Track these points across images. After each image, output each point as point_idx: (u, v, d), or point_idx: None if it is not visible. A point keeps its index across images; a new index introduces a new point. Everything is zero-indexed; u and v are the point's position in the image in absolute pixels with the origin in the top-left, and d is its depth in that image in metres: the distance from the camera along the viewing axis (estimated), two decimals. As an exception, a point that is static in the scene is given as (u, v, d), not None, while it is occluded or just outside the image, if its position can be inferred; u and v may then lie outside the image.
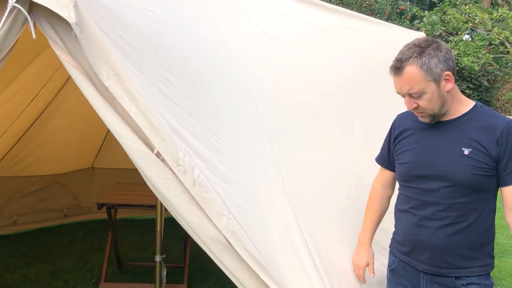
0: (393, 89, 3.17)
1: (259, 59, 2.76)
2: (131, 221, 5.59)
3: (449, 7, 8.76)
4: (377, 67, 3.24)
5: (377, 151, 2.84)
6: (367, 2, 9.36)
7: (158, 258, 3.32)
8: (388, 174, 2.13)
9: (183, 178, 1.68)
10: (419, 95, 1.71)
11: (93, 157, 5.39)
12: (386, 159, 2.11)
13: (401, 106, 3.06)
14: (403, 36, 3.49)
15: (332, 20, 3.43)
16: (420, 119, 1.84)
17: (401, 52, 1.73)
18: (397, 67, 1.71)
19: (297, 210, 2.14)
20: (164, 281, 3.33)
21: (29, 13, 1.59)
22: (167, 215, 5.68)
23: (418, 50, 1.69)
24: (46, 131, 4.65)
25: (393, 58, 1.77)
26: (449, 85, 1.72)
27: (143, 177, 1.74)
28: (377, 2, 9.48)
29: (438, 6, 8.93)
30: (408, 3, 10.20)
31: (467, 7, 6.99)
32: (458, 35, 7.69)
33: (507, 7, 7.22)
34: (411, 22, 9.94)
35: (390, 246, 2.10)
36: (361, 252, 2.13)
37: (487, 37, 7.54)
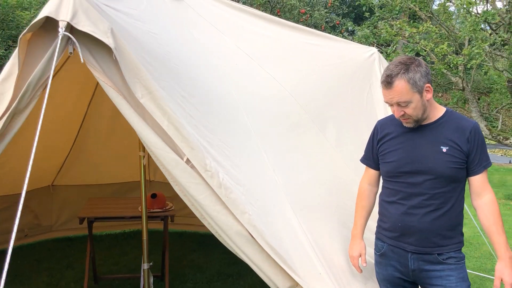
0: (355, 100, 3.59)
1: (242, 75, 3.03)
2: (95, 237, 5.59)
3: (378, 20, 9.55)
4: (339, 80, 3.66)
5: (347, 153, 3.22)
6: (303, 17, 9.92)
7: (145, 266, 3.45)
8: (373, 173, 2.46)
9: (210, 181, 1.92)
10: (406, 104, 2.07)
11: (54, 175, 5.34)
12: (371, 159, 2.44)
13: (363, 114, 3.48)
14: (356, 51, 3.95)
15: (295, 37, 3.78)
16: (405, 124, 2.19)
17: (389, 69, 2.08)
18: (388, 82, 2.06)
19: (294, 206, 2.43)
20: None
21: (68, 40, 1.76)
22: (132, 229, 5.79)
23: (404, 67, 2.05)
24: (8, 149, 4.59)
25: (381, 74, 2.12)
26: (429, 95, 2.10)
27: (173, 182, 1.95)
28: (312, 17, 10.06)
29: (369, 20, 9.67)
30: (338, 16, 10.92)
31: (397, 22, 7.71)
32: (390, 46, 8.42)
33: (430, 22, 8.02)
34: (343, 35, 10.65)
35: (376, 234, 2.43)
36: (354, 245, 2.44)
37: (415, 48, 8.31)
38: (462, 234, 2.24)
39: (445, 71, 8.00)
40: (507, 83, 7.73)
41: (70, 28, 1.75)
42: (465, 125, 2.13)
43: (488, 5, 7.17)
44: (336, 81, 3.59)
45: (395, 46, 7.92)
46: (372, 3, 9.46)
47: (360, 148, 3.29)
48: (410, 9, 8.67)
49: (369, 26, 9.64)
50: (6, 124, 1.74)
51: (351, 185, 3.03)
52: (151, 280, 3.51)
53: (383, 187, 2.39)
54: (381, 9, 9.49)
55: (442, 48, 7.28)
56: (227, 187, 1.95)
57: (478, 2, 6.80)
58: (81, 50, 1.79)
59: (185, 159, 1.91)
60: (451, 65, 7.60)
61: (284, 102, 3.12)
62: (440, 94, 13.72)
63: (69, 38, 1.75)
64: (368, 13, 10.09)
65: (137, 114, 1.86)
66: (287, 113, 3.08)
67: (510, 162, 12.68)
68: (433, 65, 7.96)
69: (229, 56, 3.13)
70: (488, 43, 6.86)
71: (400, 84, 2.03)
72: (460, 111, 12.82)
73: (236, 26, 3.59)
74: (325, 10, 10.22)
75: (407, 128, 2.22)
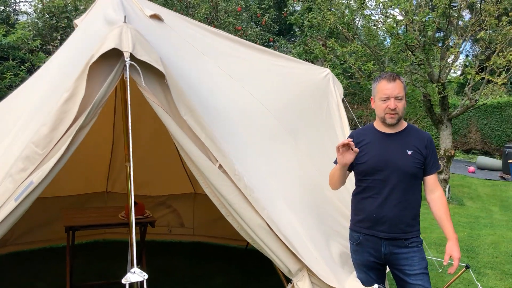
0: (316, 114, 4.11)
1: (228, 93, 3.45)
2: (54, 249, 5.63)
3: (307, 39, 10.37)
4: (303, 97, 4.20)
5: (317, 160, 3.75)
6: (238, 34, 10.46)
7: (133, 270, 3.70)
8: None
9: (238, 183, 2.33)
10: (401, 99, 2.63)
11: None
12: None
13: (324, 127, 4.02)
14: (313, 71, 4.53)
15: (263, 58, 4.27)
16: (389, 120, 2.68)
17: (389, 73, 2.66)
18: (393, 77, 2.62)
19: (287, 204, 2.90)
20: None
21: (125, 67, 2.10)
22: (97, 239, 5.85)
23: (398, 76, 2.64)
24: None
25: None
26: (405, 104, 2.69)
27: (206, 184, 2.33)
28: (246, 35, 10.63)
29: (300, 39, 10.45)
30: (271, 34, 11.60)
31: (330, 42, 8.53)
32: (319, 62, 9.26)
33: (357, 42, 8.95)
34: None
35: (351, 227, 2.92)
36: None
37: (343, 66, 9.19)
38: (419, 224, 2.83)
39: (369, 87, 8.90)
40: (422, 97, 8.83)
41: (129, 57, 2.08)
42: (424, 135, 2.76)
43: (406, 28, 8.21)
44: (300, 98, 4.12)
45: (327, 64, 8.72)
46: (302, 23, 10.26)
47: (325, 156, 3.86)
48: (335, 29, 9.54)
49: (300, 44, 10.42)
50: (73, 137, 2.03)
51: (322, 187, 3.58)
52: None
53: (357, 186, 2.89)
54: (310, 28, 10.31)
55: (369, 66, 8.18)
56: (250, 188, 2.38)
57: (398, 27, 7.78)
58: (134, 75, 2.13)
59: (217, 165, 2.30)
60: (375, 82, 8.49)
61: (263, 116, 3.58)
62: (356, 106, 14.98)
63: (125, 65, 2.09)
64: (299, 32, 10.89)
65: (179, 128, 2.23)
66: (268, 126, 3.54)
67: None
68: (360, 82, 8.86)
69: (214, 75, 3.53)
70: (409, 62, 7.85)
71: (400, 82, 2.63)
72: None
73: (212, 48, 3.99)
74: (259, 28, 10.86)
75: (378, 135, 2.76)
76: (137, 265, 3.71)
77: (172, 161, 5.69)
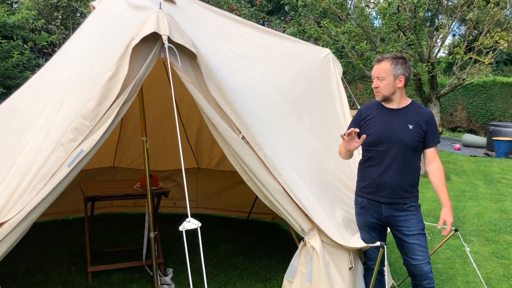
0: (318, 93, 4.40)
1: (239, 73, 3.71)
2: (65, 221, 5.91)
3: (301, 19, 10.57)
4: (305, 76, 4.48)
5: (319, 134, 4.05)
6: (233, 13, 10.62)
7: (152, 234, 4.03)
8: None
9: (259, 152, 2.64)
10: (382, 79, 2.93)
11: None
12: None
13: (325, 104, 4.32)
14: (314, 52, 4.81)
15: (267, 39, 4.53)
16: (376, 97, 3.03)
17: (385, 54, 2.96)
18: (379, 60, 2.95)
19: (298, 173, 3.21)
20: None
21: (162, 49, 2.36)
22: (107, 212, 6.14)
23: (394, 57, 2.93)
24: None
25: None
26: (400, 84, 2.97)
27: (230, 154, 2.63)
28: (240, 15, 10.80)
29: (294, 19, 10.65)
30: (265, 14, 11.80)
31: (324, 22, 8.77)
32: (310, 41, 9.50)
33: (350, 22, 9.20)
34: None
35: (356, 192, 3.27)
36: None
37: (336, 46, 9.45)
38: (418, 191, 3.16)
39: (362, 66, 9.19)
40: (412, 76, 9.16)
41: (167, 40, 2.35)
42: (425, 112, 3.06)
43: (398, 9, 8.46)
44: (303, 77, 4.41)
45: (320, 43, 8.97)
46: (296, 3, 10.44)
47: (326, 131, 4.18)
48: (328, 9, 9.75)
49: (294, 24, 10.63)
50: (118, 111, 2.30)
51: (324, 159, 3.90)
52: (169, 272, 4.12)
53: (363, 155, 3.23)
54: (303, 8, 10.50)
55: (361, 46, 8.46)
56: (270, 157, 2.68)
57: (390, 8, 8.04)
58: (169, 56, 2.39)
59: (240, 136, 2.60)
60: (368, 61, 8.81)
61: (270, 94, 3.86)
62: (344, 86, 15.29)
63: (162, 46, 2.35)
64: (293, 12, 11.07)
65: (208, 103, 2.51)
66: (274, 102, 3.82)
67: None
68: (351, 61, 9.14)
69: (226, 55, 3.79)
70: (401, 42, 8.14)
71: (385, 64, 2.93)
72: (372, 99, 14.39)
73: (221, 29, 4.24)
74: (253, 8, 11.04)
75: (383, 111, 3.08)
76: (153, 231, 4.03)
77: (176, 137, 5.95)
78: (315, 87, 4.47)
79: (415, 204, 3.09)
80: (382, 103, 3.09)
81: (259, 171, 2.66)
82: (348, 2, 9.88)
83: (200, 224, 2.13)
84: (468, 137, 15.33)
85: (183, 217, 5.80)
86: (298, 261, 2.99)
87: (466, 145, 15.06)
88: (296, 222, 2.80)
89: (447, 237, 3.35)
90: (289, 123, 3.82)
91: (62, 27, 8.01)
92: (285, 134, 3.60)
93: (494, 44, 7.79)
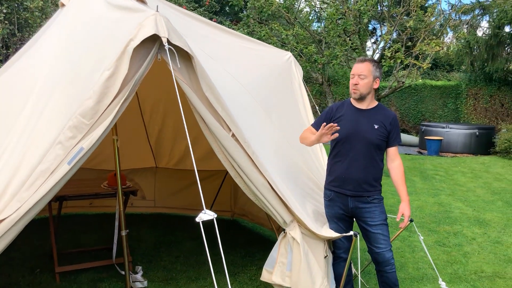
0: (282, 93, 4.62)
1: (213, 73, 3.84)
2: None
3: (251, 21, 10.79)
4: (271, 77, 4.69)
5: (286, 132, 4.27)
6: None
7: (124, 232, 4.05)
8: (314, 132, 3.45)
9: (247, 149, 2.80)
10: (363, 78, 3.19)
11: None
12: (319, 126, 3.46)
13: (289, 104, 4.55)
14: (277, 54, 5.03)
15: (234, 41, 4.69)
16: (352, 94, 3.27)
17: (366, 56, 3.20)
18: (363, 60, 3.20)
19: (276, 170, 3.40)
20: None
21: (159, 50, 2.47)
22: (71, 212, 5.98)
23: (374, 60, 3.20)
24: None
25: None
26: (375, 85, 3.25)
27: (219, 150, 2.77)
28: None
29: (243, 21, 10.86)
30: (213, 14, 11.90)
31: (275, 25, 9.05)
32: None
33: (298, 26, 9.55)
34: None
35: (325, 186, 3.51)
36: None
37: (284, 48, 9.77)
38: (381, 185, 3.45)
39: (309, 68, 9.57)
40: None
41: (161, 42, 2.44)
42: (389, 114, 3.36)
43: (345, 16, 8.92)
44: (269, 78, 4.61)
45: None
46: (245, 5, 10.65)
47: (292, 129, 4.41)
48: (277, 12, 10.05)
49: (242, 26, 10.82)
50: (118, 108, 2.37)
51: (292, 156, 4.13)
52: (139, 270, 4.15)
53: (331, 151, 3.45)
54: (252, 10, 10.73)
55: (310, 49, 8.83)
56: (256, 154, 2.85)
57: (339, 14, 8.47)
58: (166, 57, 2.50)
59: (230, 134, 2.75)
60: (315, 63, 9.20)
61: (242, 94, 4.02)
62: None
63: (159, 47, 2.45)
64: (241, 13, 11.26)
65: (201, 102, 2.63)
66: (246, 102, 3.99)
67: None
68: (303, 64, 9.48)
69: (201, 56, 3.90)
70: (347, 47, 8.60)
71: (368, 65, 3.19)
72: (317, 100, 14.88)
73: (192, 30, 4.34)
74: (202, 8, 11.12)
75: (352, 110, 3.33)
76: (125, 230, 4.06)
77: (136, 137, 5.96)
78: (279, 88, 4.69)
79: (378, 197, 3.37)
80: (354, 102, 3.35)
81: (247, 167, 2.82)
82: (295, 6, 10.23)
83: (215, 215, 2.24)
84: (402, 137, 16.32)
85: (141, 216, 5.84)
86: (278, 252, 3.18)
87: (400, 144, 16.03)
88: (279, 214, 2.99)
89: (404, 227, 3.66)
90: (261, 122, 4.00)
91: (6, 22, 7.67)
92: (259, 132, 3.78)
93: (431, 50, 8.44)
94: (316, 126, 3.46)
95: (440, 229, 6.22)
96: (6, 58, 8.20)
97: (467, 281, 4.43)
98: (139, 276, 4.18)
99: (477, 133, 13.98)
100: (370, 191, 3.33)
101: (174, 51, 2.43)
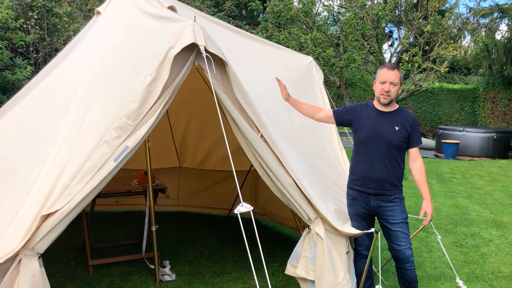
0: (304, 96, 4.80)
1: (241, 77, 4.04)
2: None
3: (270, 26, 11.00)
4: (293, 81, 4.86)
5: (307, 135, 4.45)
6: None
7: (154, 228, 4.28)
8: (330, 118, 3.65)
9: (275, 150, 2.99)
10: (395, 85, 3.34)
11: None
12: (338, 118, 3.62)
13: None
14: (299, 59, 5.22)
15: (260, 47, 4.89)
16: (382, 100, 3.40)
17: (391, 63, 3.36)
18: (393, 67, 3.34)
19: (300, 170, 3.59)
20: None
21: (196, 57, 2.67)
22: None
23: (399, 67, 3.34)
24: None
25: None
26: (399, 91, 3.42)
27: (249, 150, 2.96)
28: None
29: (261, 24, 11.07)
30: (233, 19, 12.12)
31: (294, 29, 9.24)
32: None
33: (316, 30, 9.72)
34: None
35: (348, 185, 3.67)
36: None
37: (303, 52, 9.94)
38: (402, 185, 3.59)
39: (327, 71, 9.73)
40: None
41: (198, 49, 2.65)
42: (410, 116, 3.51)
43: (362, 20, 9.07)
44: (291, 82, 4.77)
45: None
46: (264, 9, 10.86)
47: (313, 132, 4.58)
48: (296, 17, 10.25)
49: (261, 30, 11.04)
50: (159, 110, 2.59)
51: (314, 157, 4.30)
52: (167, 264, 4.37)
53: (354, 151, 3.61)
54: (270, 15, 10.94)
55: (328, 53, 8.99)
56: (283, 153, 3.04)
57: (357, 19, 8.62)
58: (203, 64, 2.70)
59: (259, 135, 2.94)
60: (332, 67, 9.36)
61: (265, 97, 4.21)
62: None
63: (196, 54, 2.66)
64: (260, 18, 11.45)
65: (233, 105, 2.84)
66: (270, 105, 4.17)
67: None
68: (322, 67, 9.64)
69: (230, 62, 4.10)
70: (365, 50, 8.74)
71: (397, 72, 3.34)
72: (335, 103, 14.98)
73: (218, 36, 4.54)
74: (222, 13, 11.36)
75: (375, 112, 3.48)
76: (155, 225, 4.28)
77: (162, 138, 6.20)
78: (301, 91, 4.86)
79: (399, 196, 3.52)
80: (377, 105, 3.50)
81: (275, 166, 3.01)
82: (313, 10, 10.40)
83: (252, 208, 2.44)
84: (419, 140, 16.33)
85: (164, 214, 6.04)
86: (302, 247, 3.37)
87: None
88: (304, 211, 3.17)
89: (421, 227, 3.79)
90: (285, 124, 4.19)
91: (37, 27, 8.00)
92: (284, 134, 3.96)
93: (448, 54, 8.54)
94: (335, 112, 3.64)
95: (457, 231, 6.33)
96: (36, 62, 8.53)
97: (484, 281, 4.55)
98: (167, 269, 4.39)
99: (495, 137, 13.97)
100: (392, 190, 3.47)
101: (211, 58, 2.64)
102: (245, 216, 6.51)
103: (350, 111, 3.61)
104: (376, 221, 3.68)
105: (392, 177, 3.47)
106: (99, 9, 4.20)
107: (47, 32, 8.29)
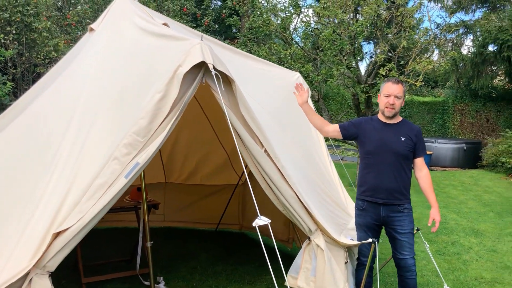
0: (294, 111, 4.91)
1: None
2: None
3: (248, 41, 11.15)
4: (284, 96, 4.98)
5: (299, 148, 4.56)
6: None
7: (148, 244, 4.27)
8: (336, 133, 3.75)
9: (277, 164, 3.08)
10: (399, 98, 3.47)
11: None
12: (344, 132, 3.72)
13: (300, 121, 4.85)
14: (287, 74, 5.35)
15: (250, 63, 5.00)
16: (387, 113, 3.52)
17: (396, 78, 3.48)
18: (398, 81, 3.46)
19: (298, 181, 3.68)
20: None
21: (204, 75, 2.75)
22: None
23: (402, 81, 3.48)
24: None
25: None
26: (403, 104, 3.55)
27: (252, 164, 3.04)
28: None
29: (239, 39, 11.21)
30: (210, 34, 12.23)
31: (275, 45, 9.42)
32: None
33: (295, 46, 9.93)
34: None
35: (358, 196, 3.68)
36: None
37: (283, 66, 10.11)
38: (410, 194, 3.64)
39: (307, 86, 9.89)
40: (352, 96, 10.06)
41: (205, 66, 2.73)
42: (414, 127, 3.64)
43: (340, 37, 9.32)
44: (281, 97, 4.91)
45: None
46: (239, 24, 11.00)
47: (303, 145, 4.70)
48: (275, 32, 10.44)
49: (241, 45, 11.18)
50: (169, 127, 2.64)
51: (307, 170, 4.41)
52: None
53: (362, 163, 3.68)
54: (249, 30, 11.11)
55: (308, 68, 9.19)
56: (285, 168, 3.13)
57: (336, 35, 8.86)
58: (210, 81, 2.77)
59: (263, 150, 3.02)
60: (311, 82, 9.55)
61: (263, 114, 4.30)
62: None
63: (204, 72, 2.74)
64: (239, 33, 11.60)
65: (238, 121, 2.91)
66: (266, 121, 4.25)
67: (341, 159, 15.67)
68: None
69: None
70: (343, 66, 8.98)
71: (401, 86, 3.47)
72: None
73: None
74: (200, 28, 11.45)
75: (380, 124, 3.59)
76: (150, 241, 4.27)
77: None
78: (291, 106, 4.98)
79: (408, 207, 3.60)
80: (382, 118, 3.61)
81: (278, 180, 3.10)
82: (291, 26, 10.62)
83: (269, 221, 2.50)
84: (392, 152, 16.73)
85: (151, 230, 6.00)
86: (302, 259, 3.44)
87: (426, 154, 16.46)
88: (305, 223, 3.26)
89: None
90: (281, 139, 4.28)
91: (15, 42, 7.90)
92: (280, 148, 4.05)
93: (423, 69, 8.86)
94: (342, 126, 3.75)
95: (438, 239, 6.54)
96: (14, 77, 8.41)
97: (469, 286, 4.73)
98: (162, 285, 4.39)
99: (465, 148, 14.47)
100: (401, 199, 3.55)
101: (219, 75, 2.72)
102: (233, 230, 6.57)
103: (356, 124, 3.72)
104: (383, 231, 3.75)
105: (401, 187, 3.54)
106: (92, 26, 4.22)
107: (26, 48, 8.19)
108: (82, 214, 2.52)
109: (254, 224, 2.51)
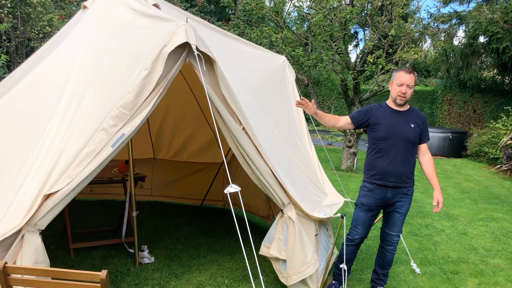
0: (277, 93, 5.15)
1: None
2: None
3: (241, 23, 11.28)
4: (268, 78, 5.21)
5: (280, 129, 4.80)
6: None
7: (134, 214, 4.53)
8: (349, 124, 3.90)
9: (255, 141, 3.32)
10: (410, 87, 3.63)
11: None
12: (356, 123, 3.87)
13: (283, 103, 5.08)
14: (273, 58, 5.56)
15: (238, 46, 5.19)
16: (398, 100, 3.66)
17: (408, 67, 3.63)
18: (410, 71, 3.61)
19: (275, 159, 3.93)
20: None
21: (187, 55, 2.96)
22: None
23: (414, 71, 3.67)
24: None
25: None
26: (412, 93, 3.73)
27: (231, 141, 3.27)
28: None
29: (233, 21, 11.35)
30: (205, 14, 12.36)
31: (266, 29, 9.58)
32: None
33: (287, 30, 10.09)
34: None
35: (365, 179, 3.85)
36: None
37: (273, 50, 10.30)
38: (414, 177, 3.85)
39: (296, 70, 10.12)
40: (340, 82, 10.28)
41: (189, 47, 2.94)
42: (421, 115, 3.83)
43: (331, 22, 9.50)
44: (265, 80, 5.13)
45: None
46: (234, 6, 11.12)
47: (286, 127, 4.94)
48: (267, 16, 10.59)
49: (233, 27, 11.32)
50: (153, 102, 2.86)
51: (286, 149, 4.65)
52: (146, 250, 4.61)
53: (371, 148, 3.82)
54: (242, 12, 11.24)
55: (298, 52, 9.38)
56: (261, 145, 3.37)
57: (326, 21, 9.04)
58: (193, 62, 2.99)
59: (241, 127, 3.26)
60: (301, 66, 9.75)
61: (245, 94, 4.53)
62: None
63: (188, 52, 2.95)
64: (232, 15, 11.73)
65: (219, 100, 3.14)
66: (248, 101, 4.49)
67: (329, 144, 15.95)
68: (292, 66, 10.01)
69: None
70: (332, 51, 9.18)
71: (413, 76, 3.62)
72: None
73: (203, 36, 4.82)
74: (194, 8, 11.56)
75: (391, 111, 3.75)
76: (135, 211, 4.52)
77: (138, 130, 6.40)
78: (275, 89, 5.22)
79: (412, 189, 3.84)
80: (392, 105, 3.77)
81: (254, 156, 3.34)
82: (284, 10, 10.77)
83: (239, 189, 2.75)
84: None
85: (138, 203, 6.25)
86: (276, 229, 3.71)
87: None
88: (279, 197, 3.52)
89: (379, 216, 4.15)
90: (261, 119, 4.52)
91: (10, 16, 8.01)
92: (261, 127, 4.29)
93: (410, 57, 9.09)
94: (352, 117, 3.90)
95: (413, 222, 6.85)
96: (8, 51, 8.53)
97: (435, 264, 5.04)
98: (146, 253, 4.66)
99: (451, 137, 14.79)
100: (408, 182, 3.77)
101: (201, 56, 2.93)
102: (217, 206, 6.84)
103: (366, 113, 3.84)
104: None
105: (408, 171, 3.76)
106: (86, 3, 4.39)
107: (21, 22, 8.30)
108: (70, 179, 2.75)
109: (225, 191, 2.76)
